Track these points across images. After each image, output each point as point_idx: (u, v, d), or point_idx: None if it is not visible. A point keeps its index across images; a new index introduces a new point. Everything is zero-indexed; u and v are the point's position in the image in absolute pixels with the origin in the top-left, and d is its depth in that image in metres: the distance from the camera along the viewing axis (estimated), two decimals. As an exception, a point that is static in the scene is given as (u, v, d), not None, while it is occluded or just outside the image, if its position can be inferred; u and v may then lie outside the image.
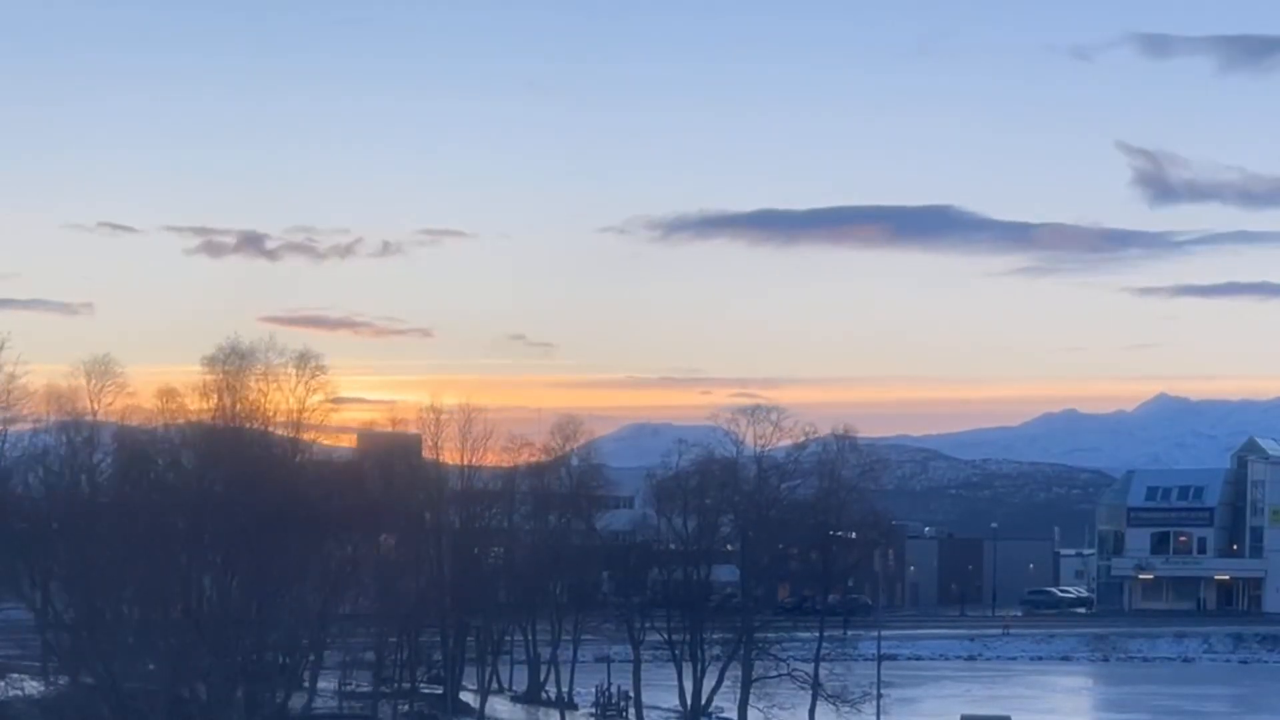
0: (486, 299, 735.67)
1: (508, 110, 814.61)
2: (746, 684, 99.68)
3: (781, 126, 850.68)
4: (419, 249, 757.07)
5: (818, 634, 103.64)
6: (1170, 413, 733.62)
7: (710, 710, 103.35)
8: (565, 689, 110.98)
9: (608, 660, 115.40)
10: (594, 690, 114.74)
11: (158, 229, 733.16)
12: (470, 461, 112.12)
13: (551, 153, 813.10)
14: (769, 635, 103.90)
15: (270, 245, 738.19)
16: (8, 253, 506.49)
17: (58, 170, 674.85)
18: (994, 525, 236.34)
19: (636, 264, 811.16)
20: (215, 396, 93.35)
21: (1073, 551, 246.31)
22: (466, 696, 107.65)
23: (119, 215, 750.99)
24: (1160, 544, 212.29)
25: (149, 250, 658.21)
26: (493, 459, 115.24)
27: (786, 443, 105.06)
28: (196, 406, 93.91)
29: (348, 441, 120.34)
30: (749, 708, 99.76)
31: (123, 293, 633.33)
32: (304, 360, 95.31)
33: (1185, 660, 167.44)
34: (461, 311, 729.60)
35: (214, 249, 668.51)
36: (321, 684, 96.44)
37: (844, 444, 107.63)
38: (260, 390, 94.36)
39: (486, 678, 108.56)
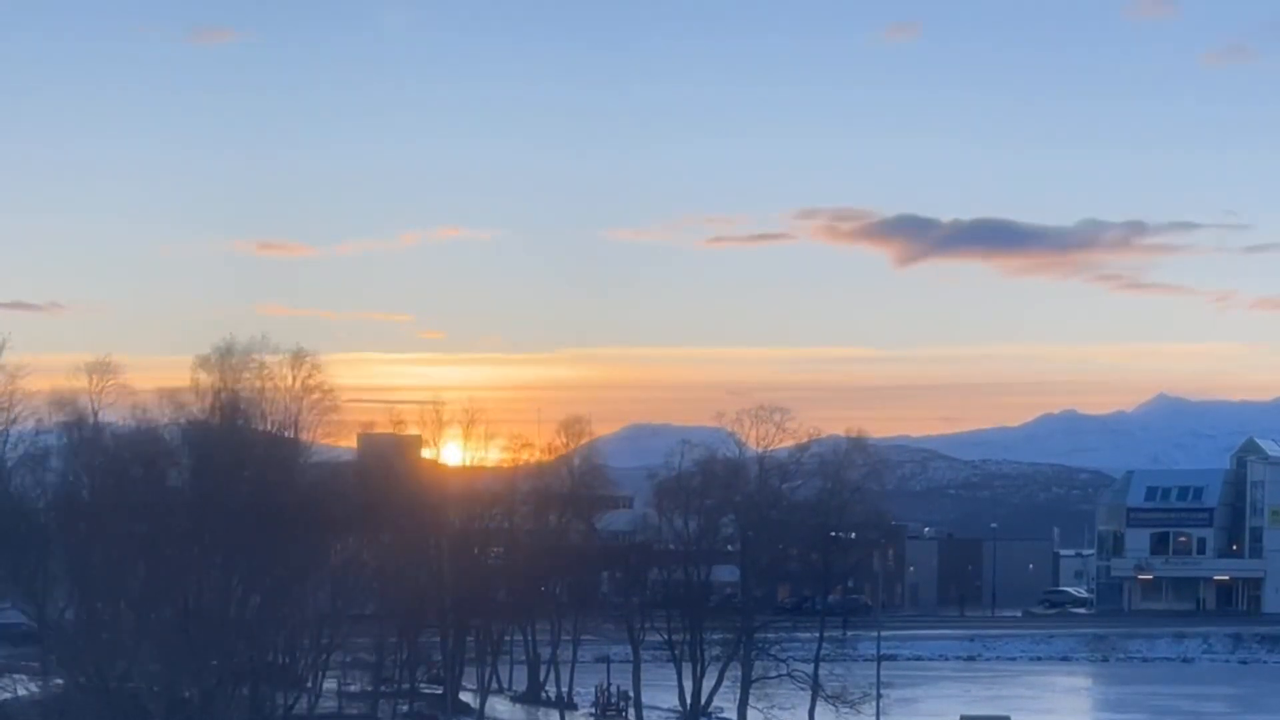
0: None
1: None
2: (746, 684, 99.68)
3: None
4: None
5: (818, 634, 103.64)
6: (1170, 413, 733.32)
7: (710, 710, 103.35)
8: (565, 689, 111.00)
9: (607, 660, 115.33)
10: (594, 690, 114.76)
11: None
12: (471, 461, 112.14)
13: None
14: (769, 635, 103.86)
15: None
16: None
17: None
18: (994, 525, 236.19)
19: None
20: (213, 395, 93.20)
21: (1072, 552, 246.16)
22: (466, 696, 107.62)
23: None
24: (1160, 544, 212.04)
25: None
26: (493, 459, 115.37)
27: (790, 444, 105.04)
28: (196, 406, 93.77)
29: (348, 441, 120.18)
30: (749, 708, 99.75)
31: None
32: (299, 358, 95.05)
33: (1185, 660, 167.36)
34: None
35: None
36: (321, 684, 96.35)
37: (852, 445, 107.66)
38: (258, 389, 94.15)
39: (486, 678, 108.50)
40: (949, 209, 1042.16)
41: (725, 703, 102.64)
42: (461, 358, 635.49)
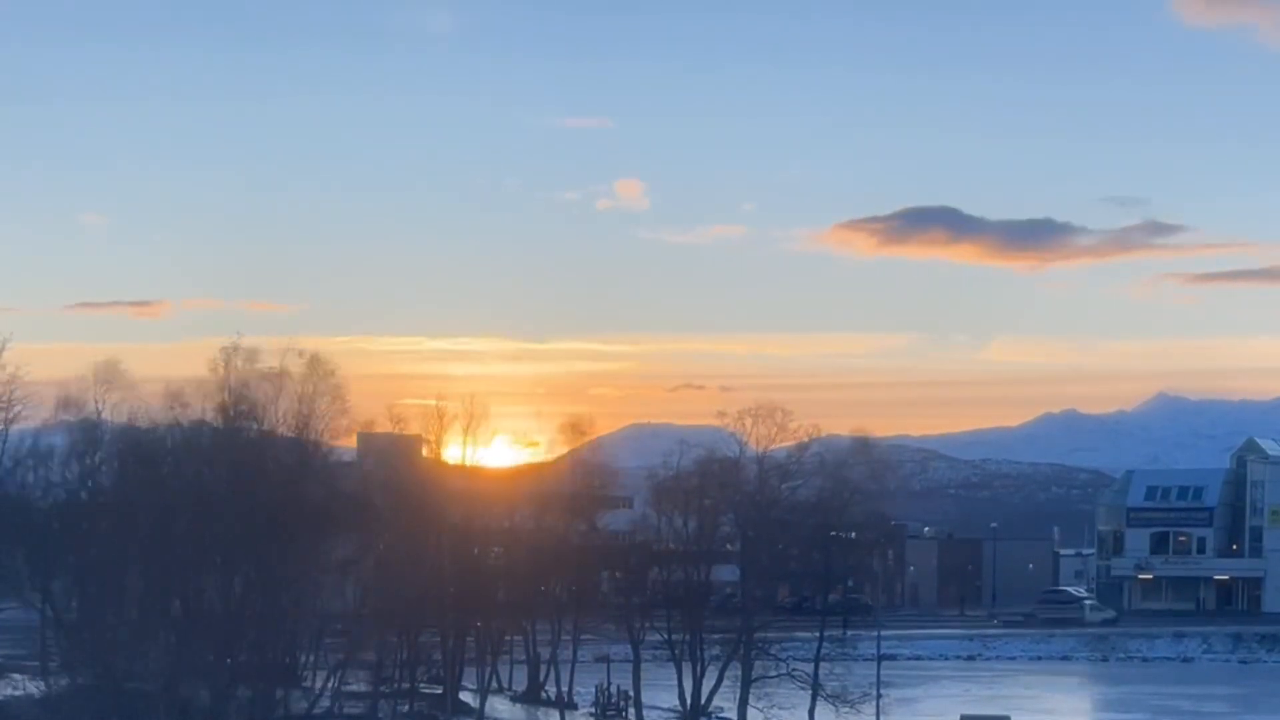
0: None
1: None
2: (746, 684, 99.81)
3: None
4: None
5: (818, 634, 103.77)
6: (1170, 413, 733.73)
7: (710, 710, 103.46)
8: (565, 689, 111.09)
9: (607, 660, 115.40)
10: (594, 690, 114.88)
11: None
12: (472, 460, 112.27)
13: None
14: (769, 635, 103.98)
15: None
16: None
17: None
18: (994, 525, 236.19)
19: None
20: (218, 395, 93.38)
21: (1072, 551, 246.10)
22: (466, 696, 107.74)
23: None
24: (1160, 544, 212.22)
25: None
26: (494, 458, 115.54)
27: (790, 443, 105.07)
28: (200, 405, 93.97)
29: (350, 440, 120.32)
30: (749, 707, 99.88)
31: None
32: (314, 363, 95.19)
33: (1185, 660, 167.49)
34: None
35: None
36: (321, 684, 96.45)
37: (856, 445, 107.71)
38: (264, 391, 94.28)
39: (486, 678, 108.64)
40: (950, 204, 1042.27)
41: (725, 702, 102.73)
42: (462, 355, 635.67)
